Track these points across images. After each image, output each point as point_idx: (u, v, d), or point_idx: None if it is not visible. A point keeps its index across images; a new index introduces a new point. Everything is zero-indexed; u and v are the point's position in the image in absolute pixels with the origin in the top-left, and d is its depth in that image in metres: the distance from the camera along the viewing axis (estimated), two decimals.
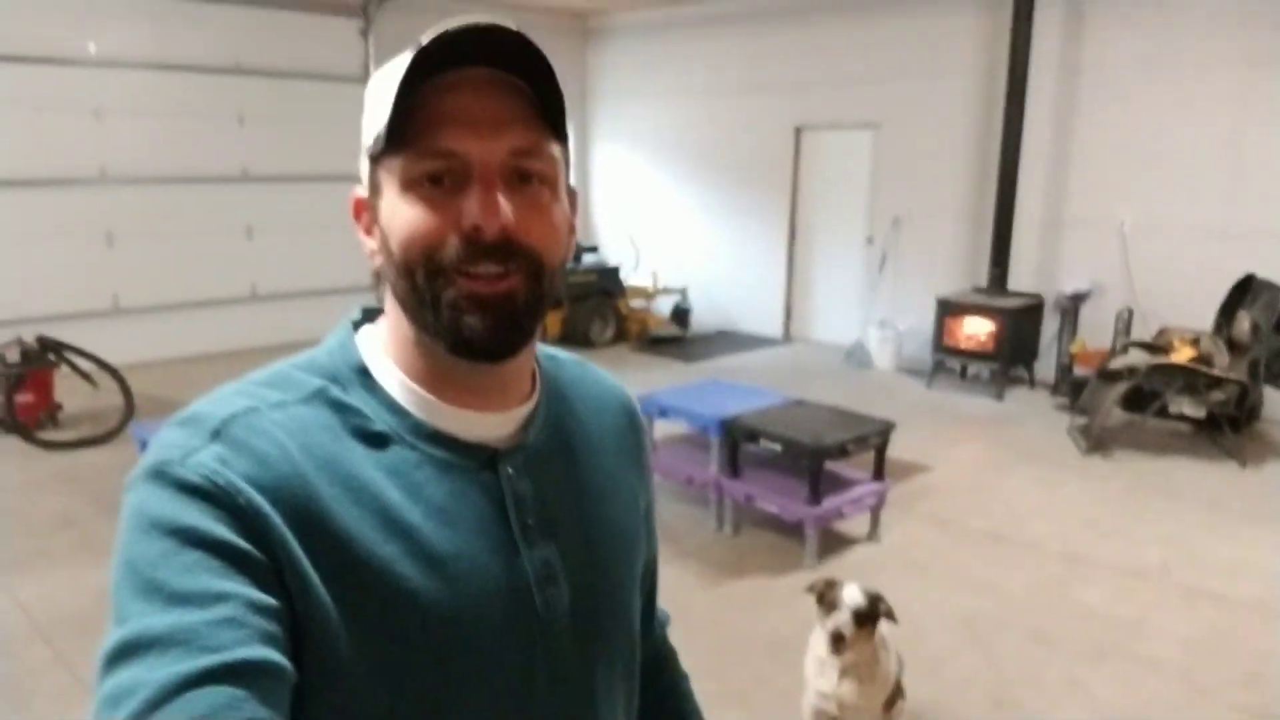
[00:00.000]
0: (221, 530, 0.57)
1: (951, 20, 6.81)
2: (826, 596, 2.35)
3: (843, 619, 2.27)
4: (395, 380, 0.70)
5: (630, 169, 9.31)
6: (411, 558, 0.64)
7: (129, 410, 5.22)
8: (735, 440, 3.89)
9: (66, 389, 5.48)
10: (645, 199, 9.18)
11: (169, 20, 6.68)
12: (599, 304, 7.85)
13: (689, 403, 4.17)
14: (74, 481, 4.51)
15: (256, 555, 0.57)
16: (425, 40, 0.61)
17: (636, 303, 8.29)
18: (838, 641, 2.27)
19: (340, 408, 0.67)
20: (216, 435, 0.61)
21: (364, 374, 0.70)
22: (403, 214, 0.65)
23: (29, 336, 5.27)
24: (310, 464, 0.63)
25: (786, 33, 7.80)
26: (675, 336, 8.14)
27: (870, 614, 2.31)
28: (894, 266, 7.40)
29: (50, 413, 5.33)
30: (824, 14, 7.53)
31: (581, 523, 0.75)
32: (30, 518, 4.09)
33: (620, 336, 8.02)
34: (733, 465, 3.94)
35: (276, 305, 7.43)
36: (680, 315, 8.33)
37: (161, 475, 0.59)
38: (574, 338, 7.72)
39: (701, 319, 8.63)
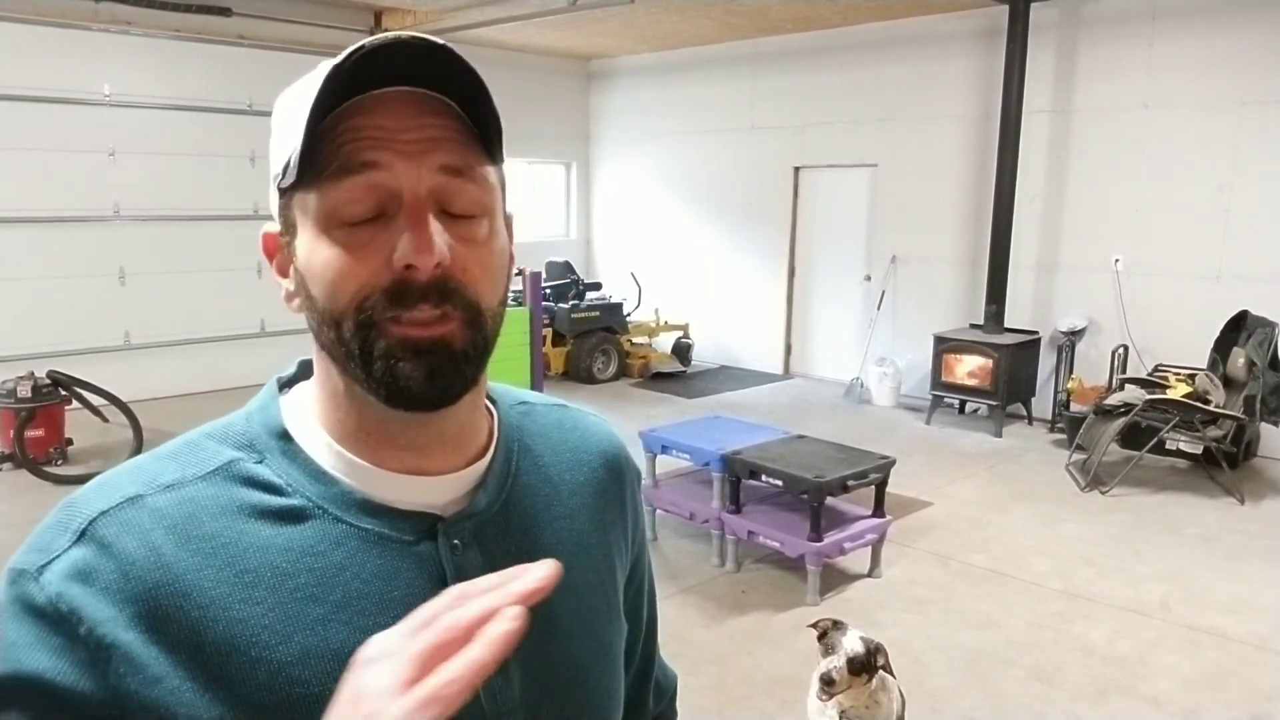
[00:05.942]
0: (51, 670, 0.54)
1: (947, 64, 6.98)
2: (828, 637, 2.36)
3: (836, 664, 2.28)
4: (322, 444, 0.62)
5: (632, 207, 9.45)
6: (316, 657, 0.57)
7: (139, 445, 5.26)
8: (737, 476, 3.93)
9: (77, 424, 5.54)
10: (647, 236, 9.31)
11: (182, 62, 6.84)
12: (602, 340, 7.92)
13: (690, 438, 4.21)
14: None
15: (85, 695, 0.54)
16: (341, 58, 0.55)
17: (639, 339, 8.38)
18: (828, 685, 2.28)
19: (248, 483, 0.60)
20: (82, 536, 0.56)
21: (285, 439, 0.62)
22: (322, 256, 0.57)
23: (40, 371, 5.33)
24: (192, 561, 0.57)
25: (785, 74, 7.98)
26: (677, 372, 8.20)
27: (867, 664, 2.31)
28: (892, 304, 7.49)
29: (60, 447, 5.38)
30: (821, 56, 7.71)
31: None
32: None
33: (623, 372, 8.09)
34: (734, 501, 3.98)
35: (285, 341, 7.50)
36: (682, 351, 8.42)
37: (16, 583, 0.56)
38: (577, 374, 7.80)
39: (703, 355, 8.71)
